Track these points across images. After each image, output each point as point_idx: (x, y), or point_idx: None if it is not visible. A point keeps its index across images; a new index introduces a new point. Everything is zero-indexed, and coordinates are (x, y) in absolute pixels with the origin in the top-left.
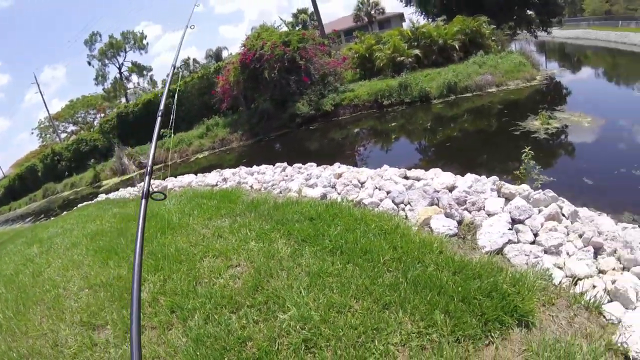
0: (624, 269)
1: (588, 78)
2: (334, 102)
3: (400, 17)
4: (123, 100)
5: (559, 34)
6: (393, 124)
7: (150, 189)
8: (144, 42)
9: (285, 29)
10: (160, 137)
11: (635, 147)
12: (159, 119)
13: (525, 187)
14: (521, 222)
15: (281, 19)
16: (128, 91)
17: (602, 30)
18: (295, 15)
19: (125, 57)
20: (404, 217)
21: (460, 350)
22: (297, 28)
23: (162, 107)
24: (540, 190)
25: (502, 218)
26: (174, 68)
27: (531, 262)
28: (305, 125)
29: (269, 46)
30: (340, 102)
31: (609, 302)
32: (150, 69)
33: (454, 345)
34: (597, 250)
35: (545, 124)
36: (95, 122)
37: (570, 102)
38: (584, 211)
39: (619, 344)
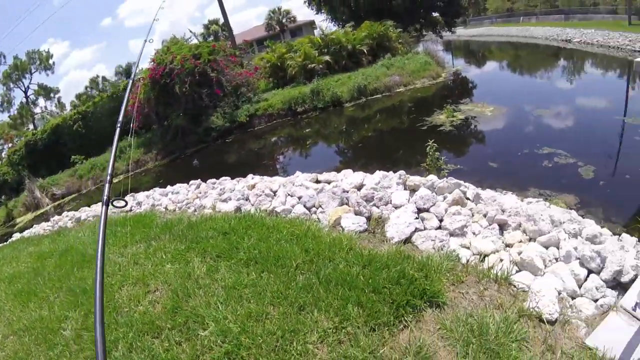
0: (530, 240)
1: (491, 71)
2: (249, 112)
3: (312, 24)
4: (31, 126)
5: (464, 32)
6: (308, 130)
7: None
8: (50, 61)
9: (195, 41)
10: (73, 163)
11: (536, 129)
12: (118, 129)
13: (430, 178)
14: (426, 210)
15: (191, 32)
16: (35, 116)
17: (505, 27)
18: (206, 27)
19: (31, 80)
20: (317, 219)
21: (376, 338)
22: (209, 39)
23: (120, 118)
24: (444, 179)
25: (408, 209)
26: (133, 79)
27: (437, 246)
28: (222, 138)
29: (179, 60)
30: (254, 113)
31: (517, 272)
32: (57, 91)
33: (370, 335)
34: (503, 227)
35: (451, 117)
36: (2, 154)
37: (474, 95)
38: (487, 192)
39: (531, 309)
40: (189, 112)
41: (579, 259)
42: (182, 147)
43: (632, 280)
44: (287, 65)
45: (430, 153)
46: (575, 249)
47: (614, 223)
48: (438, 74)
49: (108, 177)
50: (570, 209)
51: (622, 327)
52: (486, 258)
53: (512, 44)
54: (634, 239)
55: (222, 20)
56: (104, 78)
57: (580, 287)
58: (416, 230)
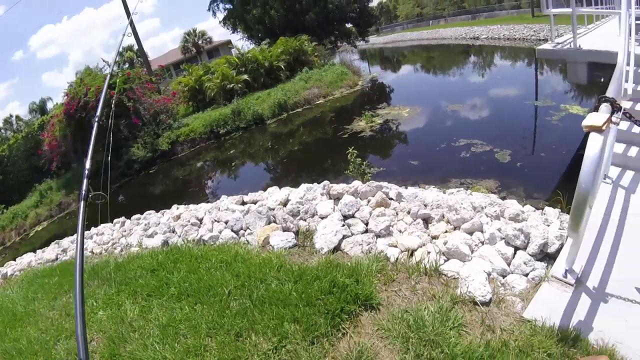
0: (455, 228)
1: (406, 74)
2: (170, 139)
3: (228, 44)
4: None
5: (377, 40)
6: (232, 151)
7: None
8: None
9: (109, 70)
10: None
11: (452, 124)
12: (95, 124)
13: (354, 184)
14: (352, 216)
15: (104, 61)
16: None
17: (416, 31)
18: (121, 54)
19: None
20: (245, 242)
21: (316, 351)
22: (124, 67)
23: (98, 113)
24: (367, 183)
25: (334, 217)
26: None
27: (366, 250)
28: (145, 169)
29: (93, 92)
30: (176, 139)
31: (445, 261)
32: None
33: (310, 349)
34: (427, 220)
35: (370, 123)
36: None
37: (391, 99)
38: (410, 190)
39: (464, 295)
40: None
41: (503, 239)
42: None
43: (559, 250)
44: (205, 87)
45: (352, 160)
46: (499, 230)
47: (536, 199)
48: (355, 82)
49: (86, 172)
50: (492, 193)
51: (556, 295)
52: (414, 253)
53: (424, 46)
54: (557, 210)
55: (137, 47)
56: (17, 117)
57: (509, 264)
58: (344, 237)
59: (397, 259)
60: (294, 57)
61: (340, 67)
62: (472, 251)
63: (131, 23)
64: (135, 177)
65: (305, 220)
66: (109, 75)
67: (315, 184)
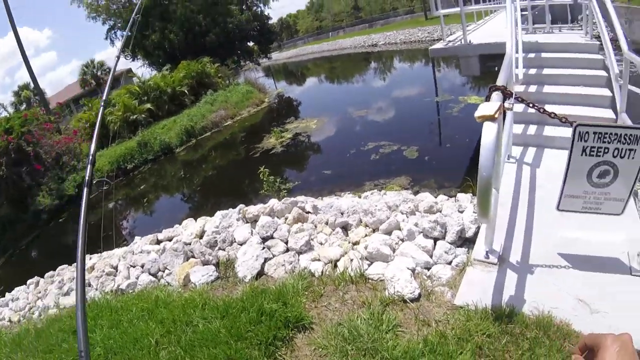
0: (374, 231)
1: (312, 86)
2: (76, 182)
3: (129, 72)
4: None
5: (280, 56)
6: (144, 187)
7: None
8: None
9: (5, 113)
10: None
11: (359, 129)
12: (101, 108)
13: (269, 203)
14: (271, 237)
15: None
16: None
17: (317, 44)
18: (17, 93)
19: None
20: (166, 283)
21: None
22: (21, 108)
23: (105, 97)
24: (282, 201)
25: (253, 242)
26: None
27: (289, 269)
28: (54, 218)
29: None
30: (82, 182)
31: (369, 265)
32: None
33: None
34: (346, 228)
35: (280, 138)
36: None
37: (299, 112)
38: (325, 200)
39: (393, 295)
40: (12, 197)
41: (422, 232)
42: (14, 240)
43: (477, 233)
44: (107, 121)
45: (265, 179)
46: (416, 224)
47: (448, 188)
48: (261, 100)
49: (90, 158)
50: (405, 189)
51: (482, 276)
52: (338, 263)
53: (326, 57)
54: (469, 195)
55: (32, 84)
56: None
57: (431, 256)
58: (266, 260)
59: (322, 272)
60: (197, 80)
61: (245, 86)
62: (394, 250)
63: (25, 60)
64: (45, 228)
65: (224, 249)
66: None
67: (230, 209)
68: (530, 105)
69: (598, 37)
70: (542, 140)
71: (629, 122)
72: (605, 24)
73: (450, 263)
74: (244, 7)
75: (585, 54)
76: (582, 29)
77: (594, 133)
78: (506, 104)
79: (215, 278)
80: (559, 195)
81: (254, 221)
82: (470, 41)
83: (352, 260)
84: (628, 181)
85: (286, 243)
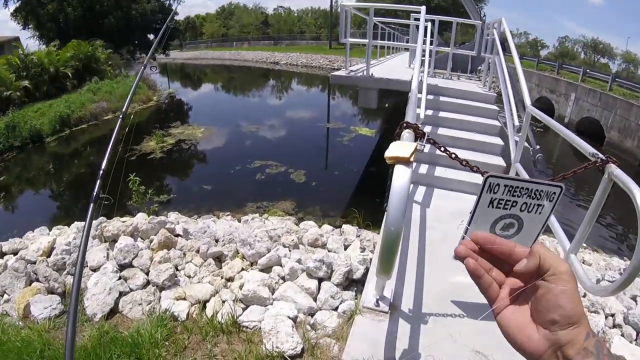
0: (251, 265)
1: (207, 92)
2: None
3: (16, 40)
4: None
5: (180, 55)
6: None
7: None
8: None
9: None
10: None
11: (248, 145)
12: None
13: (133, 220)
14: (130, 265)
15: None
16: None
17: (219, 51)
18: None
19: None
20: (4, 313)
21: None
22: None
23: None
24: (149, 219)
25: (108, 269)
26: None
27: (147, 310)
28: None
29: None
30: None
31: (244, 309)
32: None
33: None
34: (220, 258)
35: (161, 143)
36: None
37: (188, 117)
38: (199, 224)
39: (272, 352)
40: None
41: (304, 271)
42: None
43: (365, 274)
44: None
45: (135, 189)
46: (299, 261)
47: (333, 217)
48: (149, 97)
49: (101, 172)
50: (289, 215)
51: (373, 326)
52: (207, 304)
53: (226, 66)
54: (354, 228)
55: None
56: None
57: (315, 299)
58: (121, 294)
59: (188, 315)
60: (84, 63)
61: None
62: (273, 291)
63: None
64: None
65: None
66: None
67: (81, 222)
68: (442, 149)
69: (495, 89)
70: (432, 180)
71: (522, 172)
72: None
73: (336, 309)
74: None
75: (482, 103)
76: (480, 80)
77: (505, 185)
78: (417, 146)
79: (60, 312)
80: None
81: (112, 241)
82: (372, 74)
83: (224, 302)
84: (531, 235)
85: (147, 274)
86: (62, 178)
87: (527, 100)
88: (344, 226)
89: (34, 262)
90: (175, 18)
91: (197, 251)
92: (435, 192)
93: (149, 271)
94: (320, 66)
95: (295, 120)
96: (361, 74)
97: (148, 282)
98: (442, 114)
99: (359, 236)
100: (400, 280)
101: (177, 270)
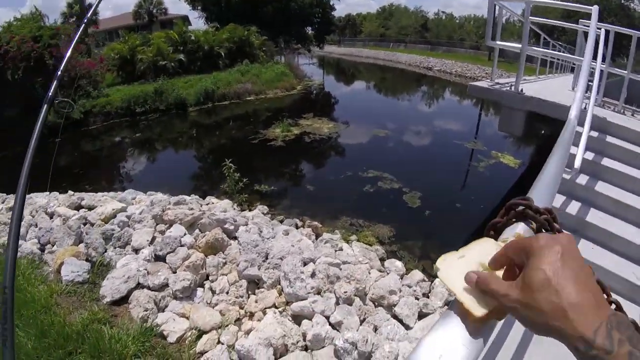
0: (286, 304)
1: (355, 89)
2: (84, 108)
3: (185, 19)
4: None
5: (336, 50)
6: (138, 135)
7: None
8: None
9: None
10: None
11: (368, 151)
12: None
13: (193, 211)
14: (162, 258)
15: (36, 9)
16: None
17: (374, 50)
18: (70, 5)
19: None
20: (44, 262)
21: None
22: (72, 20)
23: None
24: (208, 215)
25: (141, 256)
26: None
27: (143, 316)
28: (52, 136)
29: (17, 41)
30: (91, 109)
31: None
32: None
33: None
34: (258, 283)
35: (285, 132)
36: None
37: (321, 110)
38: (252, 234)
39: None
40: (22, 103)
41: (333, 345)
42: (13, 142)
43: None
44: (137, 59)
45: (229, 174)
46: (337, 325)
47: (433, 260)
48: (293, 86)
49: (58, 74)
50: (381, 243)
51: None
52: (204, 335)
53: (380, 66)
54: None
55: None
56: None
57: None
58: (138, 286)
59: (178, 339)
60: (237, 46)
61: (282, 67)
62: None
63: None
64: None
65: (115, 248)
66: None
67: (159, 194)
68: None
69: None
70: None
71: None
72: None
73: None
74: None
75: None
76: None
77: None
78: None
79: (84, 280)
80: None
81: (169, 225)
82: (522, 90)
83: (219, 342)
84: None
85: (174, 272)
86: (202, 144)
87: None
88: (437, 281)
89: (93, 224)
90: (331, 12)
91: (237, 265)
92: None
93: (176, 270)
94: (475, 77)
95: (432, 132)
96: (507, 88)
97: (167, 285)
98: (606, 161)
99: (447, 305)
100: None
101: (208, 279)
